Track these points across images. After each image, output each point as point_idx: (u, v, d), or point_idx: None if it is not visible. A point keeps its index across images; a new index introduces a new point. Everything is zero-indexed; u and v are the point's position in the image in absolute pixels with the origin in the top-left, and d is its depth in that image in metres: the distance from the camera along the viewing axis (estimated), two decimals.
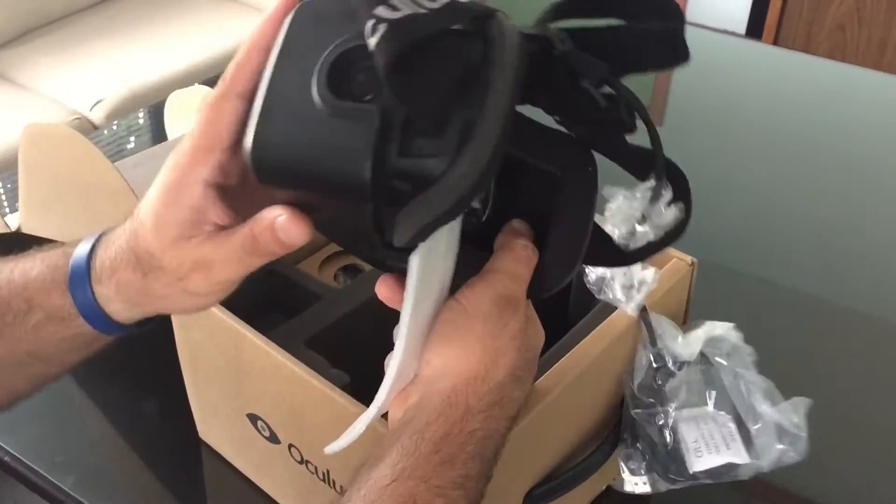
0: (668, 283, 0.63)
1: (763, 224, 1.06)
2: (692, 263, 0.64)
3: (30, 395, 0.54)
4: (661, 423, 0.60)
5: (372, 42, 0.37)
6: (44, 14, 2.24)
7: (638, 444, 0.61)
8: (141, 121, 1.67)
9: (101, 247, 0.48)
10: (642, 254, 0.47)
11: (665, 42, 0.44)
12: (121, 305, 0.48)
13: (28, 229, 0.86)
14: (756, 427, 0.60)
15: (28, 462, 0.73)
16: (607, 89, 0.43)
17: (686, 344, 0.61)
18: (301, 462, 0.63)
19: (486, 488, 0.46)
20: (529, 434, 0.53)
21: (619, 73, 0.44)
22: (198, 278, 0.46)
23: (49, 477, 0.72)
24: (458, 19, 0.40)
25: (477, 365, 0.45)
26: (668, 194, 0.46)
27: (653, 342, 0.60)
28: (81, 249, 0.48)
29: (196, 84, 1.03)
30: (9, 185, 1.18)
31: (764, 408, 0.60)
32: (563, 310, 0.69)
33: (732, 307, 0.91)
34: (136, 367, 0.82)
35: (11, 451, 0.74)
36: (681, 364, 0.60)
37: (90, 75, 2.06)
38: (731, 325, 0.62)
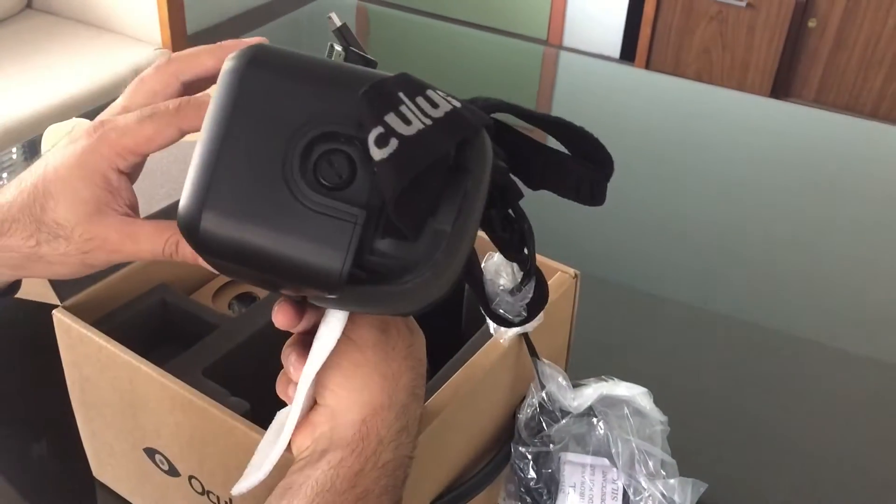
0: (553, 295, 0.66)
1: (639, 237, 1.11)
2: (575, 276, 0.67)
3: None
4: (538, 461, 0.60)
5: (379, 155, 0.36)
6: None
7: (516, 474, 0.62)
8: (14, 156, 1.62)
9: None
10: (498, 320, 0.52)
11: (588, 183, 0.47)
12: None
13: None
14: (637, 498, 0.59)
15: None
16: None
17: (575, 397, 0.61)
18: (203, 493, 0.63)
19: None
20: (428, 446, 0.55)
21: (534, 187, 0.47)
22: (101, 255, 0.48)
23: None
24: (459, 135, 0.39)
25: (381, 393, 0.46)
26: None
27: (541, 385, 0.61)
28: None
29: (73, 118, 1.01)
30: None
31: (649, 480, 0.59)
32: (456, 323, 0.71)
33: (612, 318, 0.95)
34: (23, 407, 0.80)
35: None
36: (566, 413, 0.61)
37: None
38: (644, 389, 0.62)
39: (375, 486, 0.45)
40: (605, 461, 0.60)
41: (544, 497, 0.60)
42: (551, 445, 0.60)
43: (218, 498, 0.62)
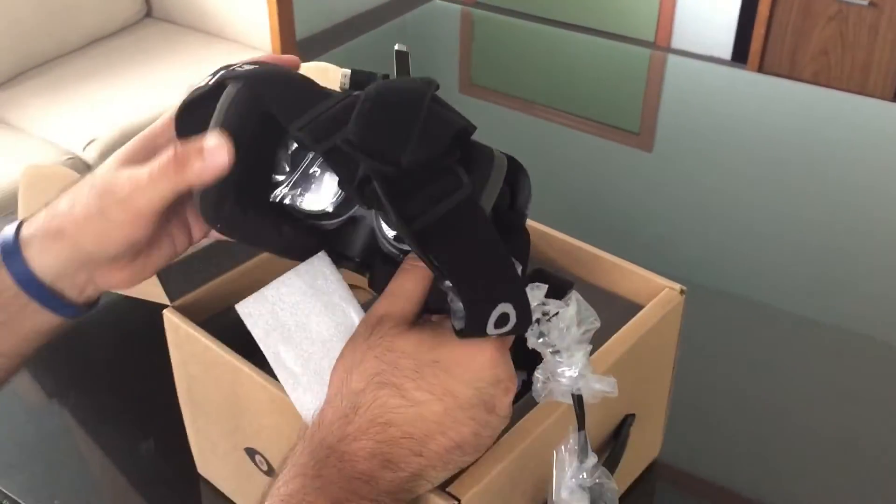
0: (660, 312, 0.64)
1: (751, 248, 1.07)
2: (682, 292, 0.65)
3: None
4: None
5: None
6: (35, 56, 2.26)
7: None
8: None
9: (27, 223, 0.53)
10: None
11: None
12: (38, 244, 0.51)
13: None
14: None
15: None
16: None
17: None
18: None
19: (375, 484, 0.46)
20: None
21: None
22: (110, 200, 0.49)
23: None
24: None
25: (337, 382, 0.49)
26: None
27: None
28: (7, 228, 0.54)
29: (55, 164, 1.03)
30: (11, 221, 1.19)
31: None
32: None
33: (722, 332, 0.92)
34: (133, 408, 0.83)
35: (9, 494, 0.74)
36: None
37: (82, 116, 2.08)
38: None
39: (310, 459, 0.47)
40: None
41: None
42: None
43: None
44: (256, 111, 0.48)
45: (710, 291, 0.92)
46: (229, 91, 0.49)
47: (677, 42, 3.23)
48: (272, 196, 0.52)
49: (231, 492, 0.72)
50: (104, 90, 2.18)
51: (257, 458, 0.65)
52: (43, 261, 0.52)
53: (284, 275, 0.53)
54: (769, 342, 0.92)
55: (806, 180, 1.22)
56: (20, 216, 0.84)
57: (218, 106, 0.49)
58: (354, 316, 0.53)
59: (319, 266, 0.53)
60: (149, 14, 2.57)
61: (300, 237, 0.53)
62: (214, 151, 0.46)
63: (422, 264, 0.48)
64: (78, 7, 2.33)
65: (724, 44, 3.07)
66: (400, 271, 0.50)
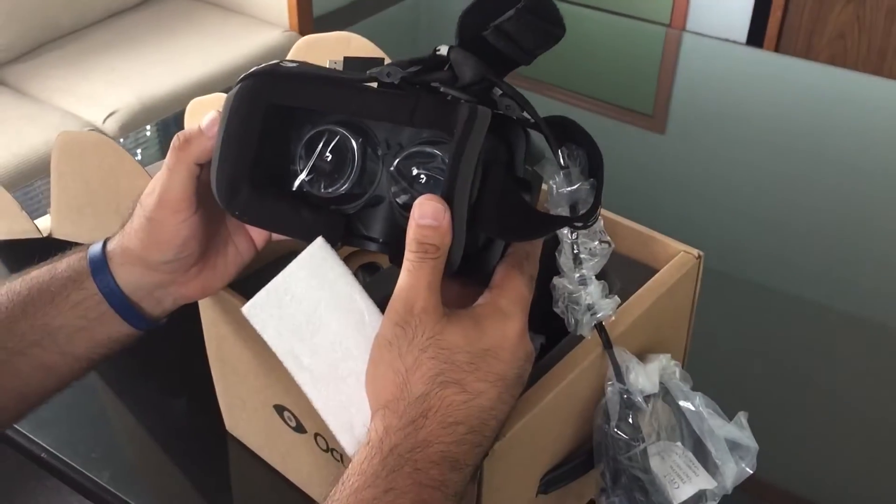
0: (676, 275, 0.65)
1: (764, 228, 1.08)
2: (699, 256, 0.67)
3: (38, 401, 0.59)
4: (639, 461, 0.59)
5: None
6: (55, 28, 2.27)
7: (619, 487, 0.60)
8: (148, 134, 1.73)
9: (110, 240, 0.58)
10: (554, 222, 0.51)
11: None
12: (125, 265, 0.57)
13: (59, 234, 0.89)
14: (715, 449, 0.59)
15: (65, 458, 0.76)
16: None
17: (647, 376, 0.60)
18: (326, 450, 0.66)
19: (454, 485, 0.47)
20: (530, 429, 0.55)
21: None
22: (151, 202, 0.55)
23: (86, 472, 0.75)
24: None
25: (392, 388, 0.48)
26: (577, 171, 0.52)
27: (619, 379, 0.59)
28: (96, 243, 0.58)
29: (216, 93, 1.06)
30: (31, 192, 1.21)
31: (716, 428, 0.60)
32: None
33: (733, 310, 0.93)
34: (164, 366, 0.85)
35: (49, 448, 0.77)
36: (646, 397, 0.60)
37: (102, 88, 2.10)
38: (667, 355, 0.62)
39: (381, 469, 0.46)
40: (665, 441, 0.60)
41: (654, 499, 0.60)
42: (642, 442, 0.59)
43: (341, 456, 0.65)
44: (262, 102, 0.51)
45: (722, 276, 0.94)
46: (232, 91, 0.52)
47: (692, 25, 3.22)
48: (292, 186, 0.54)
49: (259, 448, 0.75)
50: (124, 63, 2.20)
51: (286, 414, 0.67)
52: (122, 276, 0.57)
53: (286, 268, 0.52)
54: (782, 326, 0.93)
55: (821, 160, 1.23)
56: (52, 182, 0.87)
57: (224, 102, 0.52)
58: (361, 302, 0.52)
59: (321, 253, 0.52)
60: None
61: (321, 219, 0.53)
62: (210, 124, 0.52)
63: (431, 253, 0.48)
64: None
65: (739, 27, 3.06)
66: (409, 262, 0.48)
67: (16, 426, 0.76)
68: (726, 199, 1.13)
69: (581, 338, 0.59)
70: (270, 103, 0.52)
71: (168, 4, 2.51)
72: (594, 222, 0.53)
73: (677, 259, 0.66)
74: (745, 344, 0.90)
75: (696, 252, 0.67)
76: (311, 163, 0.53)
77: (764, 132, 1.29)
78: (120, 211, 0.81)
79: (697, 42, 1.91)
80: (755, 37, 3.01)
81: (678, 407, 0.61)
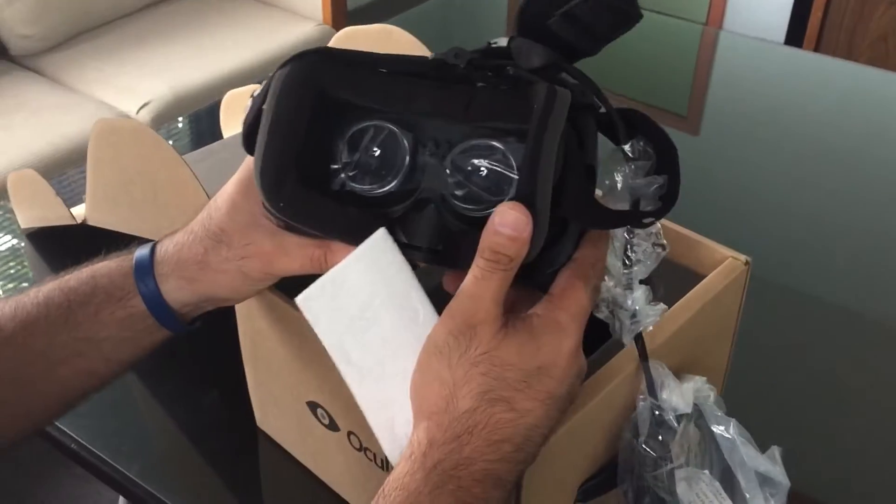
0: (723, 282, 0.63)
1: (801, 231, 1.06)
2: (747, 263, 0.65)
3: (79, 402, 0.59)
4: (664, 482, 0.57)
5: None
6: (90, 18, 2.29)
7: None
8: (181, 126, 1.73)
9: (159, 245, 0.57)
10: (622, 218, 0.50)
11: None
12: (175, 283, 0.55)
13: (94, 222, 0.88)
14: (745, 481, 0.57)
15: (95, 450, 0.76)
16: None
17: (682, 394, 0.58)
18: (360, 449, 0.65)
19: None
20: (570, 435, 0.54)
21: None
22: (256, 263, 0.53)
23: (115, 465, 0.75)
24: None
25: (438, 399, 0.46)
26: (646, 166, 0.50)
27: (652, 393, 0.57)
28: (143, 247, 0.57)
29: (250, 85, 1.05)
30: (65, 181, 1.22)
31: (748, 459, 0.58)
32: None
33: (772, 316, 0.91)
34: (195, 361, 0.85)
35: (79, 440, 0.77)
36: (678, 417, 0.58)
37: (136, 79, 2.11)
38: (703, 378, 0.60)
39: (424, 485, 0.45)
40: (693, 468, 0.58)
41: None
42: (670, 464, 0.57)
43: (374, 455, 0.64)
44: (313, 86, 0.48)
45: (759, 281, 0.92)
46: (280, 73, 0.49)
47: (729, 24, 3.18)
48: (334, 184, 0.51)
49: (289, 444, 0.74)
50: (159, 54, 2.21)
51: (319, 411, 0.66)
52: (175, 297, 0.56)
53: (344, 260, 0.49)
54: (822, 332, 0.91)
55: (861, 162, 1.20)
56: (88, 169, 0.87)
57: (272, 84, 0.48)
58: (416, 301, 0.49)
59: (381, 245, 0.48)
60: None
61: (367, 219, 0.49)
62: None
63: (503, 264, 0.45)
64: None
65: (777, 28, 3.01)
66: (478, 269, 0.46)
67: None
68: (762, 205, 1.11)
69: (620, 345, 0.57)
70: (322, 89, 0.48)
71: None
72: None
73: (724, 266, 0.64)
74: (783, 361, 0.87)
75: (743, 258, 0.65)
76: (355, 159, 0.50)
77: (801, 135, 1.26)
78: (156, 201, 0.81)
79: (734, 41, 1.88)
80: (794, 36, 2.97)
81: (710, 431, 0.58)
